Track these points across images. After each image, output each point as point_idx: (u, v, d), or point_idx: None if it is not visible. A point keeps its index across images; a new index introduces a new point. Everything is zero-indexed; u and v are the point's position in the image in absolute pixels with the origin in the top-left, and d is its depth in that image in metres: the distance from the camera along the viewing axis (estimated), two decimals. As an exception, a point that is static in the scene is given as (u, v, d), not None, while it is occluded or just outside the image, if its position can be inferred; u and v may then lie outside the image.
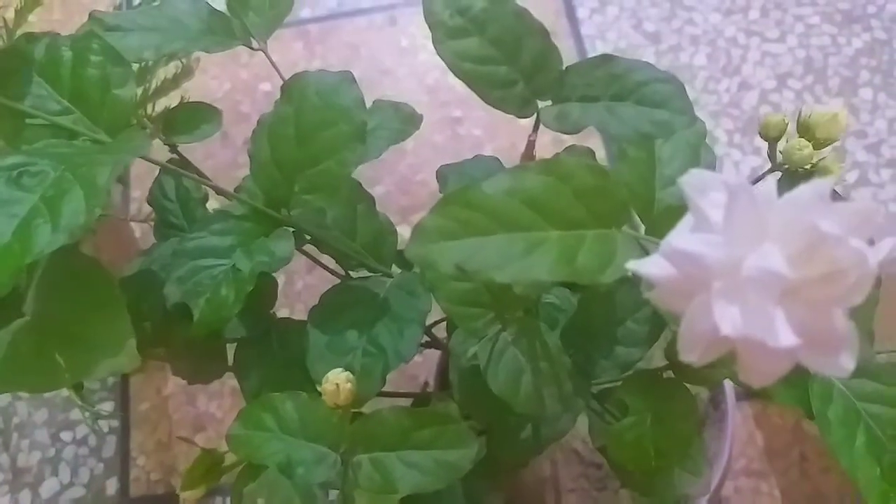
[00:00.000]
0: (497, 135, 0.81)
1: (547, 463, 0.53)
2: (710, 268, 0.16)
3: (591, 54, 0.85)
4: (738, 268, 0.16)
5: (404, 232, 0.44)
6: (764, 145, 0.33)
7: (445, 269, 0.22)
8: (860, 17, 0.83)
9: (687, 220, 0.18)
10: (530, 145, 0.27)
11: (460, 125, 0.82)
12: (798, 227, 0.17)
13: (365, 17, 0.90)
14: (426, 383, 0.66)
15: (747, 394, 0.66)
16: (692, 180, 0.17)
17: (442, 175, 0.41)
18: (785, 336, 0.16)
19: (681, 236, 0.17)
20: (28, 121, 0.35)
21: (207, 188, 0.42)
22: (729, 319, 0.16)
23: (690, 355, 0.17)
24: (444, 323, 0.45)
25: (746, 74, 0.82)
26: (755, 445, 0.65)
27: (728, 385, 0.51)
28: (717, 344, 0.17)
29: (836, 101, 0.79)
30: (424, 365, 0.68)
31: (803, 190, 0.17)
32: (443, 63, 0.28)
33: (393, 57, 0.86)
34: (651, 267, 0.17)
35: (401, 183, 0.79)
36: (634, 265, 0.17)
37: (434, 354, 0.57)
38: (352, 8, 0.90)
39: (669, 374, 0.39)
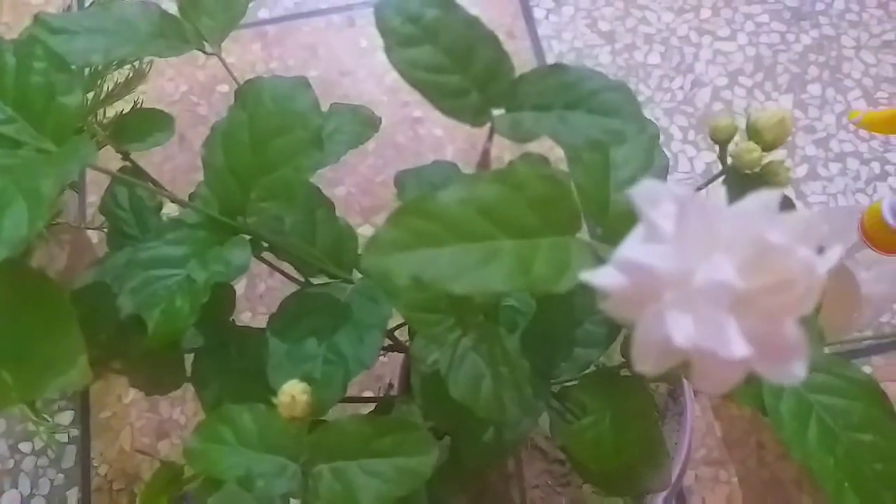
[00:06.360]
0: (457, 135, 0.81)
1: (511, 460, 0.53)
2: (662, 278, 0.17)
3: (547, 54, 0.85)
4: (689, 278, 0.17)
5: (367, 233, 0.44)
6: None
7: (401, 280, 0.22)
8: (808, 13, 0.85)
9: (638, 231, 0.18)
10: (485, 154, 0.27)
11: (421, 125, 0.82)
12: (746, 238, 0.17)
13: (323, 17, 0.89)
14: (391, 385, 0.66)
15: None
16: (642, 192, 0.17)
17: (399, 181, 0.41)
18: (737, 346, 0.16)
19: (632, 247, 0.17)
20: (-28, 130, 0.34)
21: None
22: (681, 330, 0.16)
23: (644, 365, 0.17)
24: (407, 326, 0.44)
25: (699, 72, 0.83)
26: (714, 435, 0.67)
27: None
28: (671, 353, 0.17)
29: (786, 97, 0.81)
30: (390, 366, 0.68)
31: (751, 200, 0.17)
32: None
33: (352, 58, 0.86)
34: (604, 278, 0.17)
35: (362, 184, 0.79)
36: (588, 276, 0.17)
37: (399, 355, 0.56)
38: (309, 9, 0.89)
39: (626, 371, 0.40)
